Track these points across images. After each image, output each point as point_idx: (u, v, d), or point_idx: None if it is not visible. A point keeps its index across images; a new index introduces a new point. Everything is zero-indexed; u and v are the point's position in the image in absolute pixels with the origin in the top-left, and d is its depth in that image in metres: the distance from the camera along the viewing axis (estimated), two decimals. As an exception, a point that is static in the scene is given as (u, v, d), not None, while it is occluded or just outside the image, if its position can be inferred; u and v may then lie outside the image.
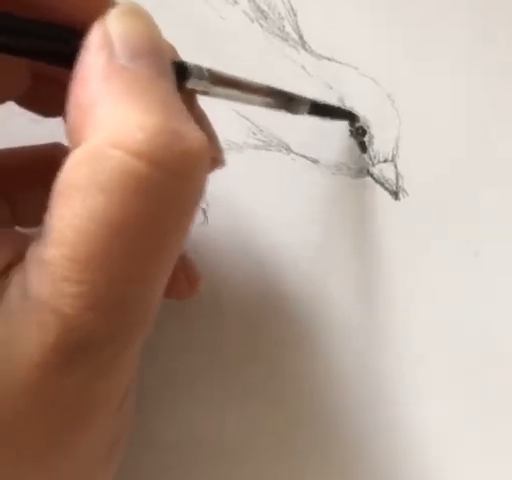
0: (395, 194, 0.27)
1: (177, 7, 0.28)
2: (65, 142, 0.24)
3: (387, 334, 0.27)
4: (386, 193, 0.27)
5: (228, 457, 0.27)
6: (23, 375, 0.16)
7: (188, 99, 0.20)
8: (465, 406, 0.27)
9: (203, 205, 0.28)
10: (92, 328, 0.16)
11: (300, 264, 0.28)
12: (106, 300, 0.16)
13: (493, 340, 0.27)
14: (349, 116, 0.28)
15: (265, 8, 0.28)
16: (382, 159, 0.28)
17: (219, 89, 0.21)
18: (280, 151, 0.28)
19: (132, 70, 0.17)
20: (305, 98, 0.25)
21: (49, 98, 0.22)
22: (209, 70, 0.21)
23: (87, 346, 0.16)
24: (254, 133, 0.28)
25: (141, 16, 0.18)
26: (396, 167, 0.28)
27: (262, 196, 0.28)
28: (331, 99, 0.28)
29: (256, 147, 0.28)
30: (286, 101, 0.24)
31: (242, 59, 0.29)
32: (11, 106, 0.22)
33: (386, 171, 0.28)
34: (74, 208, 0.16)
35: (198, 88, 0.21)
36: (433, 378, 0.27)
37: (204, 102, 0.22)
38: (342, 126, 0.28)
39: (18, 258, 0.17)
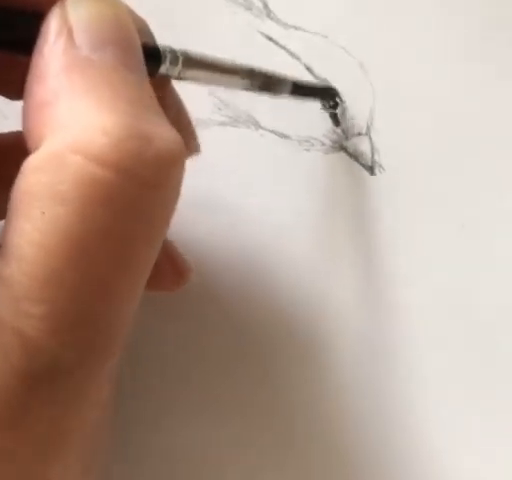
0: (370, 169, 0.26)
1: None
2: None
3: (375, 313, 0.26)
4: (362, 168, 0.26)
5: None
6: None
7: (161, 86, 0.19)
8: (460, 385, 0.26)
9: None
10: (58, 351, 0.15)
11: (271, 244, 0.27)
12: (71, 321, 0.15)
13: (482, 314, 0.26)
14: (332, 94, 0.26)
15: (226, -26, 0.27)
16: (356, 132, 0.27)
17: (195, 73, 0.20)
18: (248, 127, 0.27)
19: (95, 62, 0.16)
20: (287, 79, 0.24)
21: (13, 77, 0.20)
22: (184, 53, 0.19)
23: (55, 370, 0.15)
24: (219, 108, 0.27)
25: None
26: (371, 140, 0.26)
27: (230, 175, 0.27)
28: (299, 70, 0.27)
29: (222, 123, 0.27)
30: (267, 83, 0.23)
31: (203, 30, 0.27)
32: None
33: (361, 145, 0.26)
34: (32, 220, 0.14)
35: (172, 73, 0.19)
36: (427, 354, 0.26)
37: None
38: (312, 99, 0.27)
39: None
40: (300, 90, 0.25)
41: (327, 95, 0.26)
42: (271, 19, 0.27)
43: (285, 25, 0.27)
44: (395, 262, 0.26)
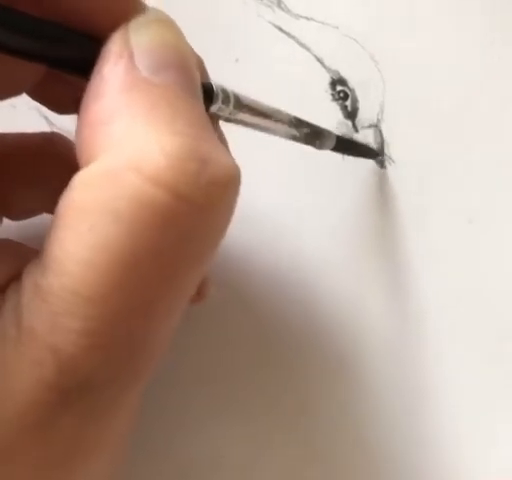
0: (381, 162, 0.26)
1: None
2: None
3: (384, 307, 0.26)
4: (371, 161, 0.26)
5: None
6: (16, 412, 0.14)
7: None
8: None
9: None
10: (94, 368, 0.15)
11: (277, 239, 0.26)
12: (112, 339, 0.15)
13: (491, 310, 0.26)
14: (373, 154, 0.26)
15: (237, -36, 0.27)
16: (366, 124, 0.26)
17: (243, 116, 0.19)
18: (257, 118, 0.27)
19: (156, 84, 0.15)
20: (332, 133, 0.23)
21: (63, 94, 0.20)
22: (235, 95, 0.19)
23: (87, 387, 0.15)
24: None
25: (169, 26, 0.17)
26: (381, 133, 0.26)
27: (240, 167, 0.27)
28: (309, 61, 0.26)
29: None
30: (312, 134, 0.22)
31: (214, 21, 0.27)
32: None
33: (371, 138, 0.26)
34: (79, 235, 0.14)
35: (222, 113, 0.19)
36: (439, 344, 0.26)
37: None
38: (322, 90, 0.26)
39: (18, 274, 0.15)
40: (343, 146, 0.24)
41: (369, 155, 0.26)
42: (282, 9, 0.27)
43: (296, 15, 0.27)
44: (402, 255, 0.26)
